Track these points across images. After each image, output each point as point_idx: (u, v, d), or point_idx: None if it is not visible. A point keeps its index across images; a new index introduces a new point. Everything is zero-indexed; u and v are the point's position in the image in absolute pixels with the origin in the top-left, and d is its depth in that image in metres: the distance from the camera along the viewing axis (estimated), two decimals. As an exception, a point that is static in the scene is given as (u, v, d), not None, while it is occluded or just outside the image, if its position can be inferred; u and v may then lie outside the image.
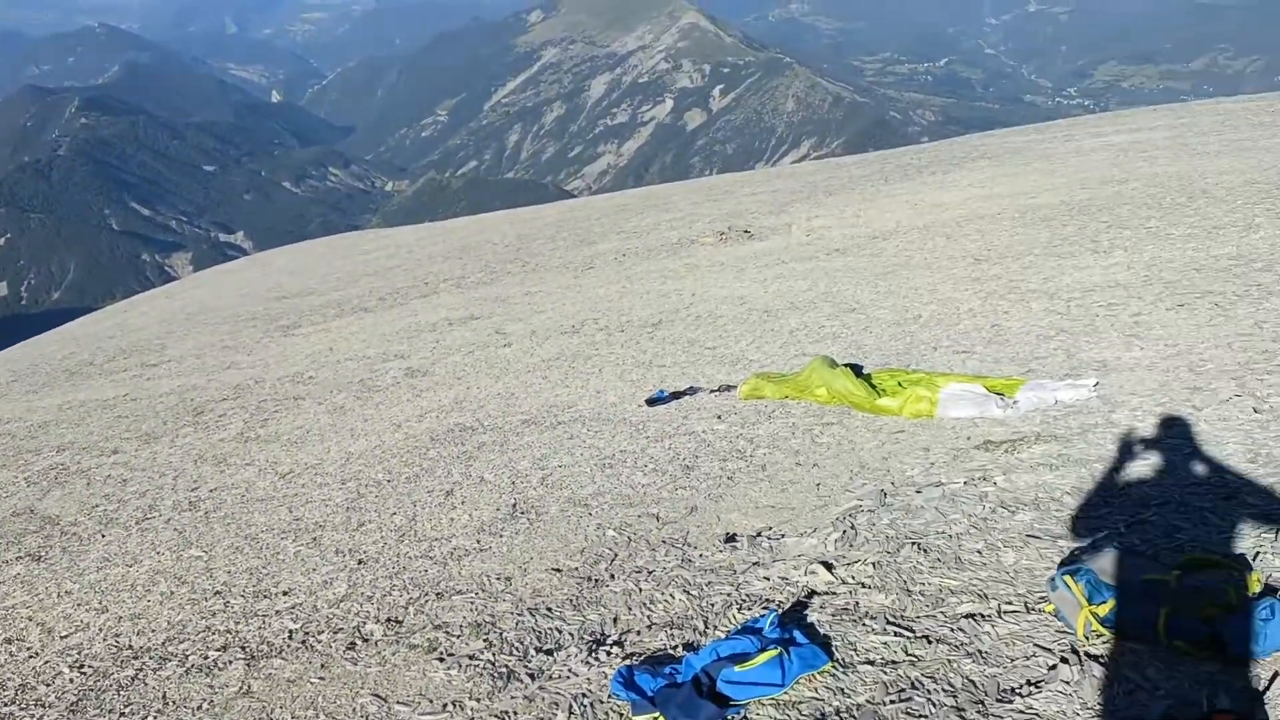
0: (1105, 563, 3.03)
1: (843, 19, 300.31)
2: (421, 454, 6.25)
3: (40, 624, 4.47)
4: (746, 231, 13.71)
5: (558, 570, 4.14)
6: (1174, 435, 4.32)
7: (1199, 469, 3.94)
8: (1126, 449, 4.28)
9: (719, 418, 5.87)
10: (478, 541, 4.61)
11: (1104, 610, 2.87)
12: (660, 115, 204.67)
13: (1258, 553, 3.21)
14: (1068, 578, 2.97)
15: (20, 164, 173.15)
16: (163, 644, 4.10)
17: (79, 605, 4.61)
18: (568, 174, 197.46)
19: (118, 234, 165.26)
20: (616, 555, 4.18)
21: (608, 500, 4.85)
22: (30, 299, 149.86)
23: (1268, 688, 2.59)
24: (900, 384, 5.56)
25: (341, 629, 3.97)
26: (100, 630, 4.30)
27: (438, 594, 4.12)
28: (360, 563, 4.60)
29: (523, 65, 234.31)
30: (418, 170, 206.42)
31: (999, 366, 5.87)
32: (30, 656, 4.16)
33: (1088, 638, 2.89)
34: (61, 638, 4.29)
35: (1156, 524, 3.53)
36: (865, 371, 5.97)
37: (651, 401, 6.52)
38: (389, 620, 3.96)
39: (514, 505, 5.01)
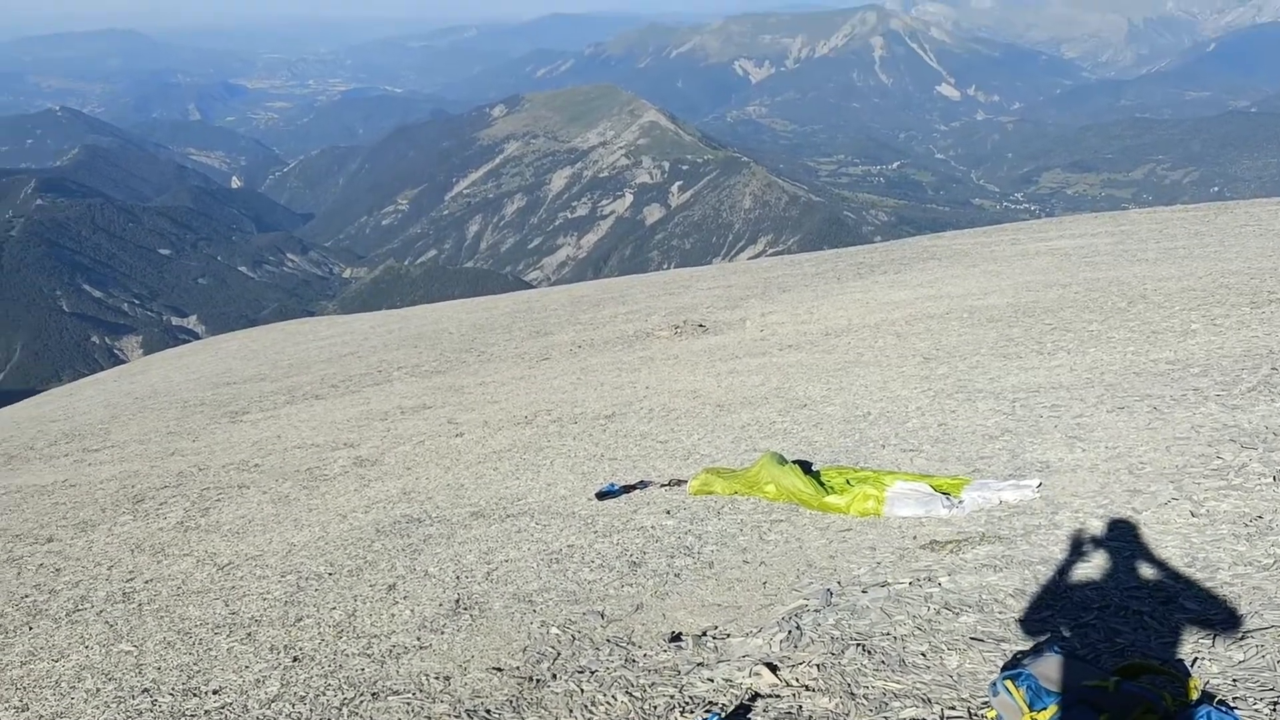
0: (1047, 667, 3.04)
1: (798, 122, 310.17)
2: (366, 546, 6.13)
3: (-48, 725, 4.26)
4: (701, 326, 13.88)
5: (499, 669, 4.05)
6: (1114, 538, 4.38)
7: (1139, 572, 4.00)
8: (1069, 551, 4.33)
9: (668, 513, 5.85)
10: (418, 639, 4.50)
11: (1044, 717, 2.86)
12: (620, 209, 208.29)
13: (1195, 658, 3.24)
14: (1009, 683, 2.97)
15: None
16: (82, 747, 3.92)
17: (-4, 705, 4.41)
18: (527, 265, 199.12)
19: (67, 315, 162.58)
20: (560, 654, 4.10)
21: (553, 596, 4.78)
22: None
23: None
24: (848, 481, 5.60)
25: (272, 731, 3.82)
26: (16, 732, 4.10)
27: (373, 694, 4.00)
28: (295, 660, 4.46)
29: (485, 158, 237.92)
30: (377, 258, 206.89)
31: (945, 465, 5.94)
32: (-62, 760, 3.95)
33: (1030, 744, 2.87)
34: (-26, 740, 4.09)
35: (1097, 627, 3.55)
36: (814, 468, 6.01)
37: (602, 495, 6.49)
38: (323, 722, 3.83)
39: (457, 600, 4.92)
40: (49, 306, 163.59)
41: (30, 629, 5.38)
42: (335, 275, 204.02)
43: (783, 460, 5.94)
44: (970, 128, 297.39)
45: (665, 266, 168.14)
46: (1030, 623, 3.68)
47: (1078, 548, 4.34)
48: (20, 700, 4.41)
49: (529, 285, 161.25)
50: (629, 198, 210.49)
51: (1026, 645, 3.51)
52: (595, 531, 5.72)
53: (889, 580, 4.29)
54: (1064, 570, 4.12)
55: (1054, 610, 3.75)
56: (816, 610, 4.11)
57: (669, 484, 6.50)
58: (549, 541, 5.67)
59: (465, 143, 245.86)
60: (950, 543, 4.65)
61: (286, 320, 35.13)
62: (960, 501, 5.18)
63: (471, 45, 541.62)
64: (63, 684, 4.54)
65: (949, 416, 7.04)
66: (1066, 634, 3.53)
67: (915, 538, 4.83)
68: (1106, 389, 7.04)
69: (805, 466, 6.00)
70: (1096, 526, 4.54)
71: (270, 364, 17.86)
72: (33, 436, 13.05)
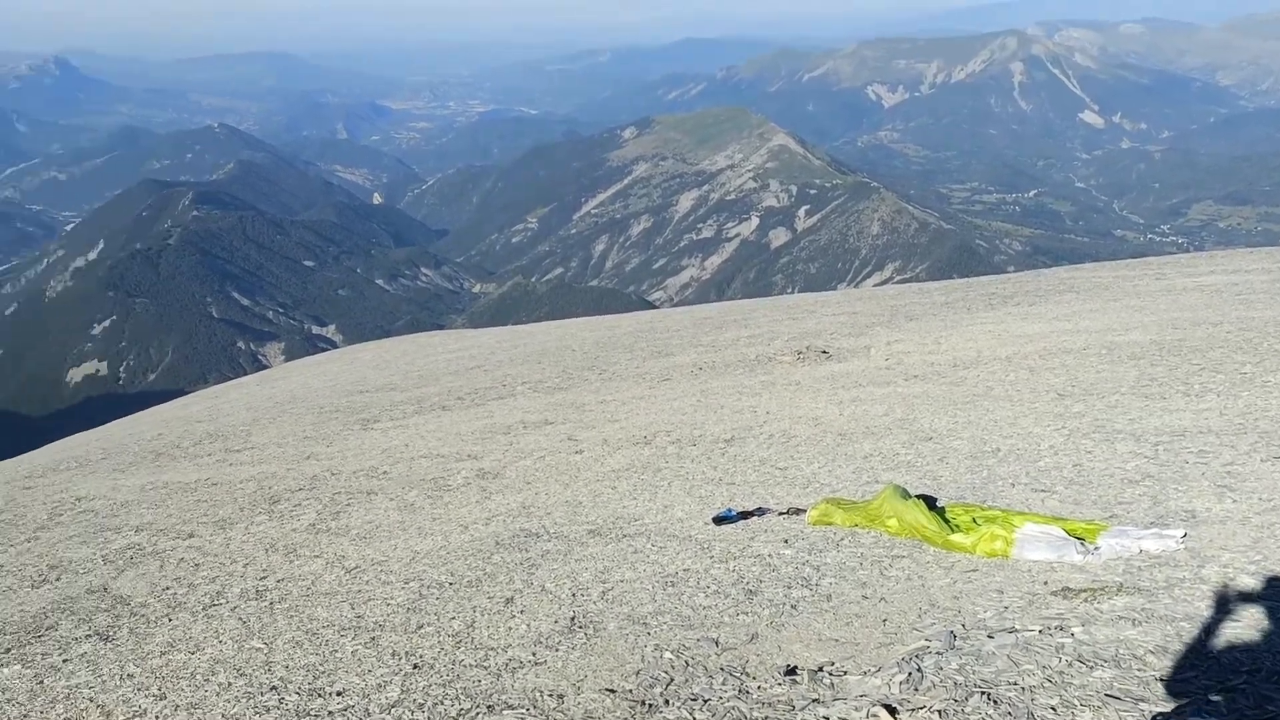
0: (1190, 732, 2.85)
1: (931, 147, 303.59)
2: (486, 558, 6.24)
3: (100, 706, 4.53)
4: (825, 352, 13.68)
5: (611, 691, 4.05)
6: (1269, 596, 4.08)
7: (1295, 635, 3.72)
8: (1216, 608, 4.06)
9: (786, 542, 5.76)
10: (534, 654, 4.55)
11: (1187, 785, 2.68)
12: (745, 232, 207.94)
13: (1360, 734, 2.98)
14: (1148, 745, 2.79)
15: (132, 251, 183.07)
16: (215, 736, 4.11)
17: (139, 690, 4.67)
18: (651, 285, 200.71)
19: (216, 321, 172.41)
20: (673, 679, 4.08)
21: (667, 620, 4.76)
22: (127, 379, 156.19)
23: None
24: (975, 520, 5.40)
25: (390, 735, 3.92)
26: (156, 718, 4.33)
27: (489, 707, 4.06)
28: (415, 667, 4.58)
29: (614, 179, 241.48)
30: (505, 274, 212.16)
31: (1080, 509, 5.67)
32: (86, 738, 4.21)
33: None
34: (118, 721, 4.34)
35: (1246, 693, 3.31)
36: (939, 504, 5.83)
37: (719, 520, 6.44)
38: (438, 730, 3.91)
39: (573, 618, 4.96)
40: (200, 312, 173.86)
41: (170, 620, 5.68)
42: (465, 290, 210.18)
43: (906, 494, 5.78)
44: (1114, 156, 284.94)
45: (789, 291, 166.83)
46: (1172, 683, 3.46)
47: (1226, 605, 4.07)
48: (159, 689, 4.66)
49: (652, 305, 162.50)
50: (755, 221, 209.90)
51: (1167, 707, 3.30)
52: (711, 557, 5.69)
53: (1017, 626, 4.11)
54: (1210, 628, 3.86)
55: (1198, 671, 3.52)
56: (939, 652, 3.97)
57: (787, 512, 6.41)
58: (665, 564, 5.66)
59: (595, 163, 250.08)
60: (1084, 591, 4.42)
61: (418, 332, 36.32)
62: (1096, 548, 4.93)
63: (605, 69, 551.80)
64: (197, 676, 4.77)
65: (1085, 457, 6.72)
66: (1213, 698, 3.30)
67: (1046, 583, 4.62)
68: (1261, 436, 6.60)
69: (930, 502, 5.83)
70: (1248, 583, 4.24)
71: (401, 374, 18.48)
72: (180, 435, 13.83)
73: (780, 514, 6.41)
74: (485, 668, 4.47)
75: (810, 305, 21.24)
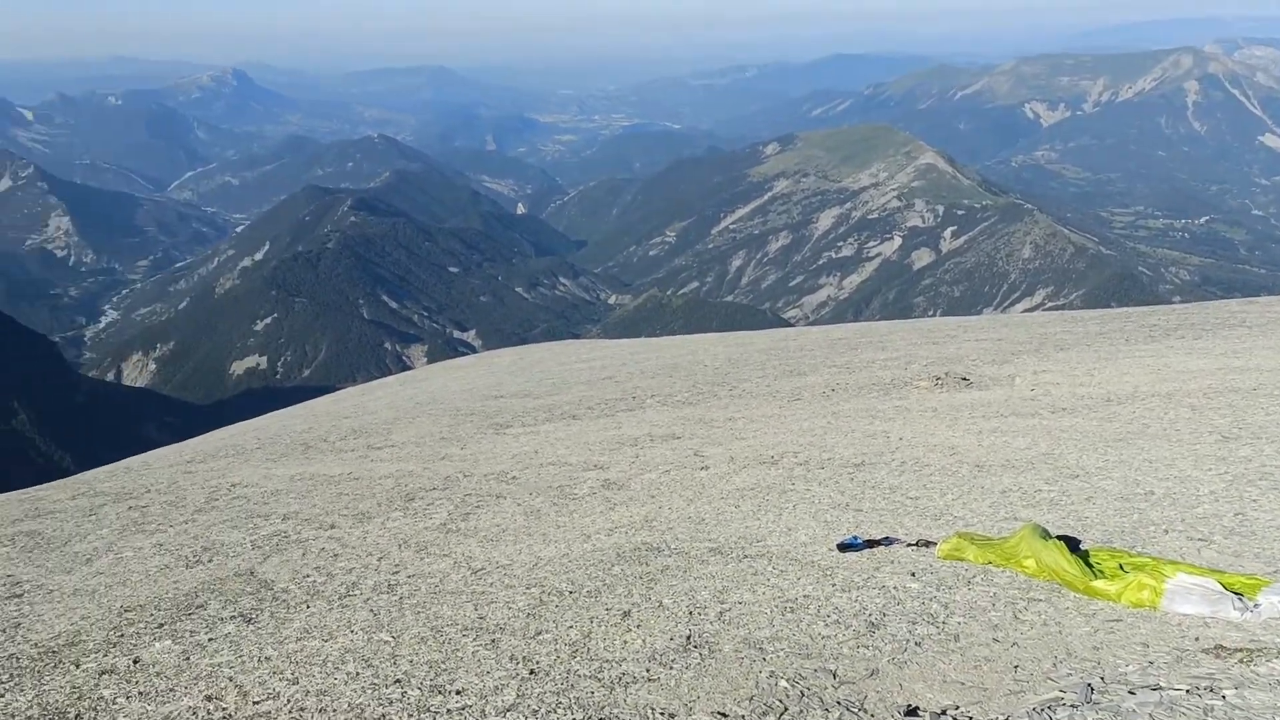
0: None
1: (1093, 169, 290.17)
2: (606, 569, 6.27)
3: (238, 686, 4.76)
4: (965, 379, 13.22)
5: (723, 715, 3.99)
6: None
7: None
8: (1394, 681, 3.69)
9: (913, 575, 5.57)
10: (647, 670, 4.54)
11: None
12: (887, 252, 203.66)
13: None
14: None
15: (294, 253, 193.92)
16: (339, 724, 4.25)
17: (274, 673, 4.88)
18: (786, 302, 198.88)
19: (366, 322, 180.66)
20: (787, 709, 3.99)
21: (784, 647, 4.67)
22: (284, 374, 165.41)
23: None
24: (1121, 567, 5.08)
25: (504, 739, 3.97)
26: (288, 702, 4.52)
27: (601, 719, 4.06)
28: (532, 673, 4.63)
29: (754, 194, 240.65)
30: (641, 286, 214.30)
31: (1240, 562, 5.27)
32: (222, 717, 4.42)
33: None
34: (254, 703, 4.55)
35: None
36: (1082, 548, 5.52)
37: (843, 547, 6.29)
38: (550, 738, 3.94)
39: (688, 637, 4.92)
40: (352, 313, 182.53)
41: (308, 607, 5.93)
42: (601, 301, 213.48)
43: (1046, 534, 5.50)
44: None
45: (930, 314, 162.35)
46: (1338, 761, 3.16)
47: (1407, 680, 3.69)
48: (292, 674, 4.87)
49: (787, 323, 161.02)
50: (897, 240, 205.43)
51: (1332, 787, 3.01)
52: (834, 584, 5.55)
53: (1162, 684, 3.84)
54: (1387, 705, 3.51)
55: (1371, 751, 3.20)
56: (1074, 705, 3.75)
57: (916, 544, 6.20)
58: (785, 589, 5.56)
59: (736, 179, 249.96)
60: (1240, 651, 4.10)
61: (553, 341, 37.03)
62: (1256, 605, 4.56)
63: (751, 84, 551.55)
64: (328, 663, 4.96)
65: (1249, 506, 6.25)
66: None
67: (1197, 639, 4.30)
68: None
69: (1072, 544, 5.52)
70: None
71: (535, 381, 18.86)
72: (327, 430, 14.49)
73: (909, 545, 6.21)
74: (599, 679, 4.48)
75: (952, 329, 20.58)
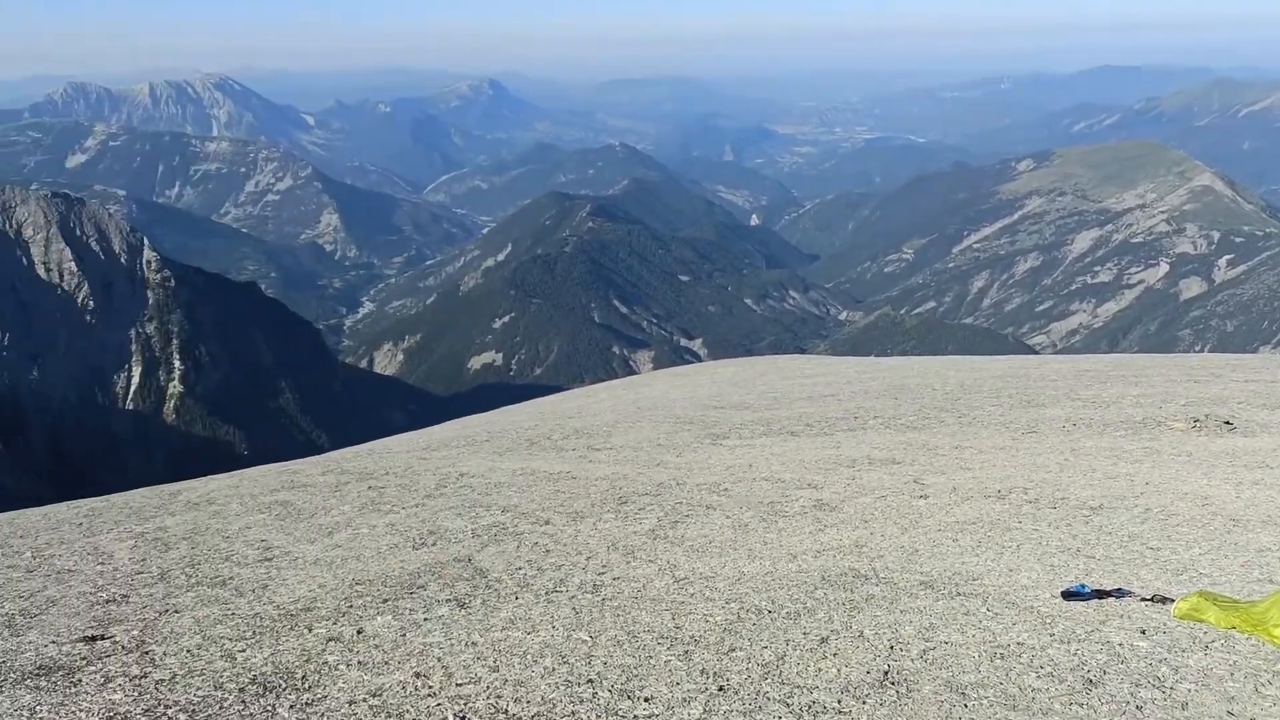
0: None
1: None
2: (808, 591, 6.15)
3: (445, 667, 5.04)
4: (1228, 423, 11.96)
5: (917, 760, 3.81)
6: None
7: None
8: None
9: (1143, 632, 5.09)
10: (839, 702, 4.40)
11: None
12: (1151, 279, 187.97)
13: None
14: None
15: (534, 256, 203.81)
16: (532, 718, 4.40)
17: (478, 659, 5.13)
18: (1031, 328, 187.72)
19: (597, 326, 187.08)
20: (987, 763, 3.75)
21: (990, 695, 4.39)
22: (517, 371, 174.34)
23: None
24: (1403, 653, 4.42)
25: (688, 752, 3.97)
26: (487, 689, 4.74)
27: (787, 746, 3.98)
28: (721, 690, 4.61)
29: (1002, 213, 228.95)
30: (873, 304, 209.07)
31: None
32: (428, 695, 4.69)
33: None
34: (456, 685, 4.80)
35: None
36: (1354, 625, 4.84)
37: (1068, 595, 5.84)
38: (734, 758, 3.90)
39: (886, 672, 4.73)
40: (584, 316, 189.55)
41: (516, 599, 6.19)
42: (830, 316, 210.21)
43: (1309, 605, 4.88)
44: None
45: (1197, 348, 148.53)
46: None
47: None
48: (494, 661, 5.10)
49: (1030, 350, 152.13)
50: (1164, 267, 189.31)
51: None
52: (1052, 634, 5.17)
53: None
54: None
55: None
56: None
57: (1151, 599, 5.67)
58: (998, 633, 5.23)
59: (982, 196, 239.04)
60: None
61: (778, 355, 36.81)
62: None
63: (1005, 96, 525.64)
64: (528, 655, 5.16)
65: None
66: None
67: None
68: None
69: (1341, 620, 4.86)
70: None
71: (756, 394, 18.80)
72: (551, 428, 15.09)
73: (1142, 599, 5.68)
74: (788, 705, 4.39)
75: (1218, 367, 18.68)
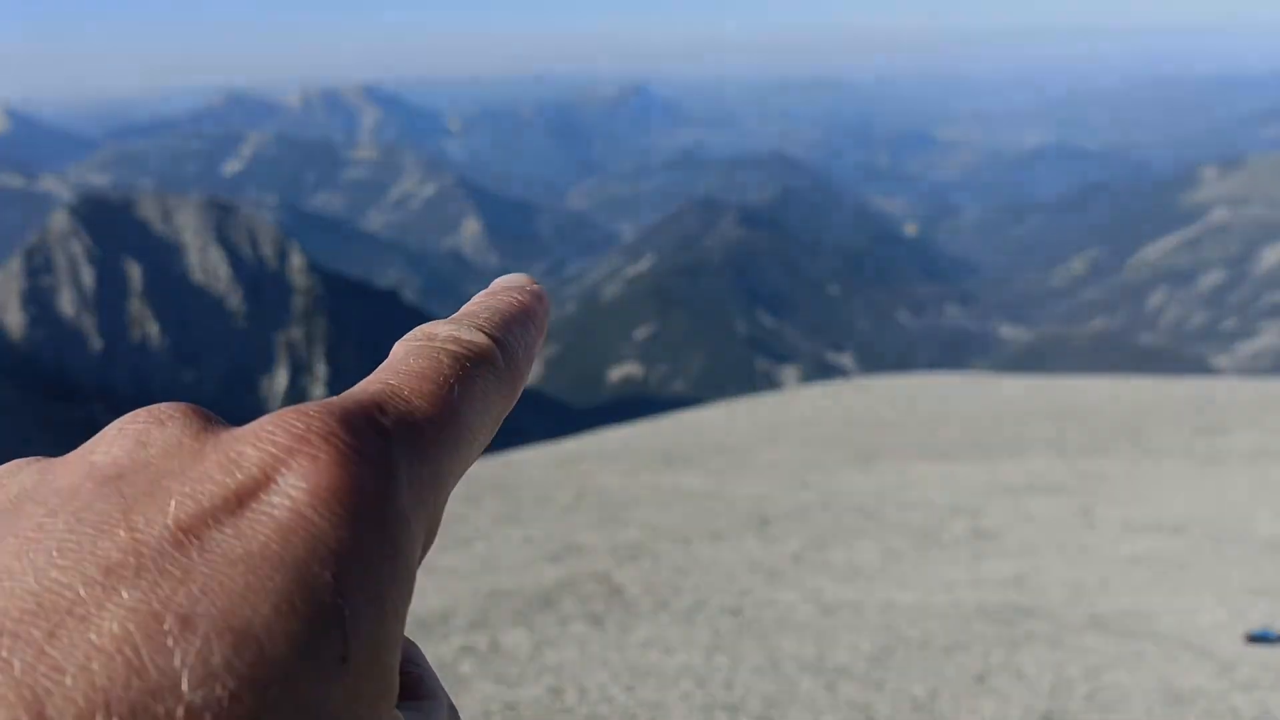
0: None
1: None
2: (964, 624, 5.85)
3: (578, 684, 5.02)
4: None
5: (1080, 818, 3.53)
6: None
7: None
8: None
9: (1348, 692, 4.59)
10: (994, 748, 4.14)
11: None
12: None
13: None
14: None
15: (677, 265, 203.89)
16: (669, 740, 4.33)
17: (613, 678, 5.10)
18: (1213, 348, 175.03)
19: (741, 338, 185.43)
20: (1161, 828, 3.43)
21: (1166, 752, 4.04)
22: (657, 384, 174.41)
23: None
24: None
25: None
26: (621, 709, 4.69)
27: (935, 792, 3.76)
28: (866, 725, 4.42)
29: (1183, 223, 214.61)
30: (1040, 319, 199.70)
31: None
32: (562, 711, 4.69)
33: None
34: (590, 704, 4.78)
35: None
36: None
37: (1254, 639, 5.36)
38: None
39: (1047, 714, 4.43)
40: (727, 328, 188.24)
41: (654, 619, 6.14)
42: (991, 333, 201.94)
43: None
44: None
45: None
46: None
47: None
48: (629, 681, 5.05)
49: (1212, 372, 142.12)
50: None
51: None
52: (1234, 680, 4.73)
53: None
54: None
55: None
56: None
57: (1357, 654, 5.11)
58: (1172, 677, 4.83)
59: (1161, 205, 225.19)
60: None
61: (935, 372, 35.65)
62: None
63: (1190, 98, 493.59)
64: (665, 677, 5.08)
65: None
66: None
67: None
68: None
69: None
70: None
71: (910, 413, 18.21)
72: (692, 444, 15.01)
73: (1346, 653, 5.13)
74: (939, 748, 4.16)
75: None
